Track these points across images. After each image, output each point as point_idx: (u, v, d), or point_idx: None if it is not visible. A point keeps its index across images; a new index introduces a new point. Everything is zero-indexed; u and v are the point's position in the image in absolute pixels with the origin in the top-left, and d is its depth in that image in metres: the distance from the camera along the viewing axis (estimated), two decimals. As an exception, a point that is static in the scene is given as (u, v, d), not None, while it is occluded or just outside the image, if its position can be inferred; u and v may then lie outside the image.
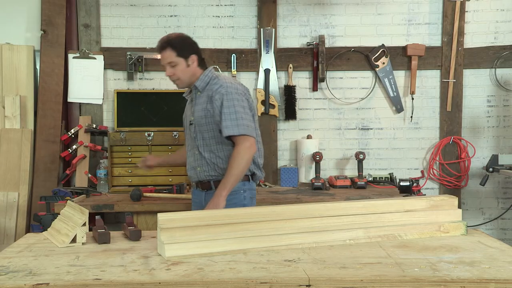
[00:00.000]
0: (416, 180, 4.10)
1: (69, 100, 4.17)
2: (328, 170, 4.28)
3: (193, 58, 2.81)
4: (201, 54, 2.88)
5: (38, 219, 3.40)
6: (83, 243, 2.07)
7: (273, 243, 1.99)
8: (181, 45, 2.78)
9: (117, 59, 4.19)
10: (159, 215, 1.92)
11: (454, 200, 2.27)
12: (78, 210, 2.16)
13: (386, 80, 4.23)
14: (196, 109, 2.83)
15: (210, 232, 1.94)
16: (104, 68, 4.17)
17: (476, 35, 4.26)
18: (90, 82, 4.15)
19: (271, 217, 2.05)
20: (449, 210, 2.25)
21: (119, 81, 4.22)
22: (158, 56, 2.88)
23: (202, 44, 4.18)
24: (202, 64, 2.87)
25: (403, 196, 3.60)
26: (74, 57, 4.13)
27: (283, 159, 4.30)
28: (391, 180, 4.14)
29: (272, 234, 2.00)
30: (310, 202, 3.25)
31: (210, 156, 2.80)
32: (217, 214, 2.01)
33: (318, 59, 4.12)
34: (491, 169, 3.91)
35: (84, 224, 2.09)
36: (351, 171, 4.24)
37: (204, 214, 2.01)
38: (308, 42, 4.22)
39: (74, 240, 2.07)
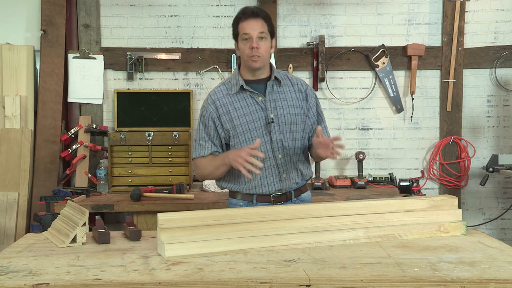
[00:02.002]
0: (416, 180, 4.10)
1: (69, 100, 4.17)
2: (328, 170, 4.28)
3: (273, 43, 2.44)
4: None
5: (38, 219, 3.39)
6: (83, 243, 2.07)
7: (273, 243, 1.99)
8: (270, 22, 2.42)
9: (117, 59, 4.19)
10: (159, 215, 1.92)
11: (454, 200, 2.27)
12: (78, 210, 2.16)
13: (386, 80, 4.23)
14: (280, 105, 2.42)
15: (210, 232, 1.94)
16: (104, 68, 4.17)
17: (476, 35, 4.26)
18: (90, 82, 4.15)
19: (271, 217, 2.05)
20: (449, 210, 2.24)
21: (119, 81, 4.22)
22: (246, 26, 2.35)
23: (202, 44, 4.22)
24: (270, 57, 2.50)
25: (403, 196, 3.60)
26: (74, 57, 4.13)
27: (283, 159, 4.30)
28: (391, 180, 4.14)
29: (272, 234, 2.00)
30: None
31: (298, 160, 2.46)
32: (217, 214, 2.01)
33: (318, 59, 4.12)
34: (491, 169, 3.91)
35: (84, 224, 2.09)
36: (351, 171, 4.24)
37: (204, 214, 2.02)
38: (308, 42, 4.22)
39: (74, 240, 2.07)
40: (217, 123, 2.43)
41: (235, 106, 2.41)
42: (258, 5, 4.17)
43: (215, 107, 2.43)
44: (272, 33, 2.40)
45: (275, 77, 2.43)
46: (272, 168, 2.42)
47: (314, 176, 4.05)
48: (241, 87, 2.41)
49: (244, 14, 2.37)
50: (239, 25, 2.38)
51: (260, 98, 2.41)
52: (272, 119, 2.39)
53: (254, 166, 2.19)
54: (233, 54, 4.17)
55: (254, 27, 2.34)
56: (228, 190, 2.54)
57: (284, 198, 2.44)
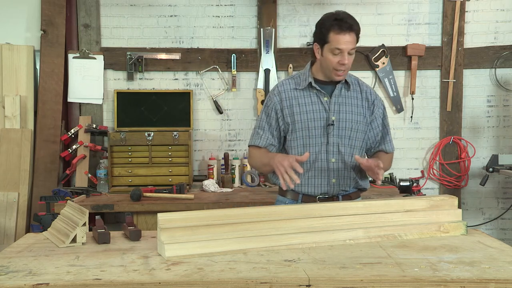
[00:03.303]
0: (416, 180, 4.10)
1: (69, 100, 4.17)
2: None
3: None
4: None
5: (38, 219, 3.40)
6: (83, 243, 2.07)
7: (273, 243, 1.99)
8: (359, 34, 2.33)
9: (117, 59, 4.19)
10: (159, 215, 1.92)
11: (454, 200, 2.27)
12: (78, 210, 2.16)
13: (386, 80, 4.23)
14: (344, 109, 2.38)
15: (210, 232, 1.94)
16: (104, 68, 4.17)
17: (476, 35, 4.26)
18: (90, 82, 4.15)
19: (271, 217, 2.05)
20: (449, 210, 2.24)
21: (119, 81, 4.22)
22: (341, 40, 2.25)
23: (202, 44, 4.22)
24: None
25: (403, 196, 3.60)
26: (74, 57, 4.13)
27: (283, 159, 4.30)
28: (391, 180, 4.14)
29: (272, 234, 2.00)
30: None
31: (354, 169, 2.40)
32: (217, 214, 2.01)
33: (318, 59, 4.12)
34: (491, 169, 3.91)
35: (84, 224, 2.09)
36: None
37: (204, 214, 2.01)
38: (308, 42, 4.22)
39: (74, 240, 2.07)
40: (279, 114, 2.41)
41: (299, 102, 2.38)
42: (258, 5, 4.18)
43: (280, 98, 2.42)
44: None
45: (345, 80, 2.39)
46: (322, 171, 2.38)
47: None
48: (310, 84, 2.38)
49: (341, 27, 2.25)
50: (331, 34, 2.27)
51: (325, 98, 2.37)
52: (333, 121, 2.35)
53: (292, 179, 2.16)
54: (233, 54, 4.17)
55: (348, 43, 2.26)
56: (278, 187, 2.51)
57: (330, 201, 2.39)
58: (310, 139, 2.37)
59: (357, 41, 2.32)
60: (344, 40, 2.25)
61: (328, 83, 2.39)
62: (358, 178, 2.44)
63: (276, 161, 2.22)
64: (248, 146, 2.53)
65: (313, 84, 2.37)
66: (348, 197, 2.44)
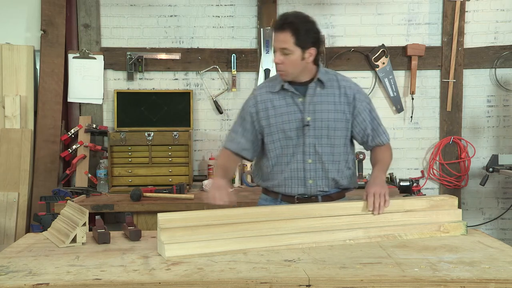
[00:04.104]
0: (416, 180, 4.10)
1: (69, 100, 4.17)
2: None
3: (311, 52, 2.29)
4: (320, 49, 2.39)
5: (38, 219, 3.40)
6: (83, 243, 2.07)
7: (273, 243, 1.99)
8: (305, 32, 2.24)
9: (117, 59, 4.19)
10: (159, 215, 1.92)
11: (454, 200, 2.27)
12: (78, 210, 2.16)
13: (386, 80, 4.23)
14: (320, 108, 2.32)
15: (210, 232, 1.95)
16: (104, 68, 4.17)
17: (476, 35, 4.26)
18: (90, 82, 4.15)
19: (271, 217, 2.05)
20: (449, 210, 2.25)
21: (119, 81, 4.22)
22: (274, 39, 2.26)
23: (202, 44, 4.22)
24: (317, 60, 2.36)
25: (403, 196, 3.60)
26: (74, 57, 4.13)
27: (283, 159, 4.30)
28: (391, 180, 4.13)
29: (272, 234, 2.00)
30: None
31: (331, 169, 2.35)
32: (217, 214, 2.01)
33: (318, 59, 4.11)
34: (491, 169, 3.90)
35: (84, 224, 2.09)
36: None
37: (204, 214, 2.02)
38: (308, 42, 4.21)
39: (74, 240, 2.07)
40: (255, 118, 2.40)
41: (274, 104, 2.36)
42: (258, 5, 4.18)
43: (255, 101, 2.41)
44: (306, 44, 2.24)
45: (318, 79, 2.34)
46: (298, 171, 2.35)
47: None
48: (282, 86, 2.36)
49: (274, 25, 2.27)
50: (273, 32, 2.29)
51: (300, 99, 2.33)
52: (308, 122, 2.31)
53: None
54: (233, 54, 4.17)
55: (278, 42, 2.25)
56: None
57: (309, 201, 2.36)
58: (286, 141, 2.34)
59: (299, 40, 2.22)
60: (275, 38, 2.26)
61: (302, 83, 2.35)
62: (338, 178, 2.38)
63: (213, 184, 2.34)
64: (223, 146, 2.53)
65: (285, 86, 2.34)
66: (328, 197, 2.38)
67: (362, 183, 3.92)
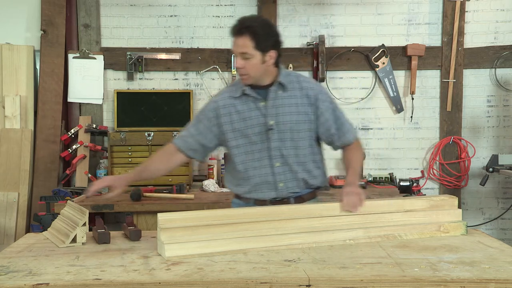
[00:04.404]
0: (416, 180, 4.10)
1: (69, 100, 4.17)
2: (328, 170, 4.26)
3: (272, 55, 2.26)
4: (280, 51, 2.32)
5: (38, 219, 3.40)
6: (83, 243, 2.07)
7: (273, 243, 1.99)
8: (263, 35, 2.21)
9: (117, 59, 4.19)
10: (159, 215, 1.92)
11: (454, 200, 2.27)
12: (78, 210, 2.16)
13: (386, 80, 4.23)
14: (282, 111, 2.30)
15: (210, 232, 1.95)
16: (104, 68, 4.17)
17: (476, 35, 4.26)
18: (90, 82, 4.15)
19: (271, 217, 2.05)
20: (449, 210, 2.24)
21: (119, 81, 4.22)
22: (233, 43, 2.24)
23: (202, 44, 4.22)
24: (277, 62, 2.33)
25: (403, 196, 3.60)
26: (74, 57, 4.13)
27: (283, 159, 4.30)
28: (391, 180, 4.14)
29: (272, 234, 2.00)
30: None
31: (300, 170, 2.34)
32: (217, 214, 2.01)
33: (318, 59, 4.12)
34: (491, 169, 3.90)
35: (84, 224, 2.09)
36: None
37: (204, 214, 2.02)
38: (308, 42, 4.22)
39: (74, 240, 2.07)
40: (214, 122, 2.37)
41: (237, 109, 2.34)
42: (258, 5, 4.18)
43: (216, 106, 2.37)
44: (266, 47, 2.22)
45: (278, 82, 2.31)
46: (267, 176, 2.33)
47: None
48: (243, 91, 2.33)
49: (232, 31, 2.24)
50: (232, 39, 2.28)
51: (262, 103, 2.31)
52: (272, 126, 2.29)
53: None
54: (233, 54, 4.16)
55: (236, 46, 2.23)
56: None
57: (281, 204, 2.32)
58: (251, 146, 2.33)
59: (258, 44, 2.20)
60: (235, 44, 2.24)
61: (263, 87, 2.32)
62: (308, 178, 2.37)
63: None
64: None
65: (246, 91, 2.31)
66: (300, 199, 2.38)
67: (362, 183, 3.93)
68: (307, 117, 2.33)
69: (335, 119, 2.36)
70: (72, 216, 2.18)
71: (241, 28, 2.21)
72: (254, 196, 2.37)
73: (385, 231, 2.12)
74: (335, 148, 2.44)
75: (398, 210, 2.18)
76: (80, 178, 4.06)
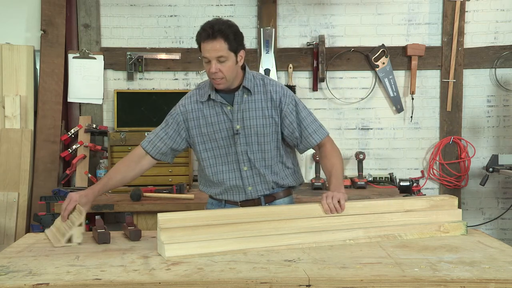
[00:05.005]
0: (416, 180, 4.11)
1: (69, 100, 4.17)
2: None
3: (242, 54, 2.27)
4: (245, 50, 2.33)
5: (38, 219, 3.40)
6: (79, 243, 2.07)
7: (273, 243, 1.99)
8: (233, 36, 2.21)
9: (117, 59, 4.19)
10: (159, 215, 1.92)
11: (454, 200, 2.27)
12: (77, 210, 2.16)
13: (386, 80, 4.23)
14: (248, 116, 2.32)
15: (210, 232, 1.95)
16: (104, 68, 4.17)
17: (476, 35, 4.26)
18: (90, 82, 4.15)
19: (271, 217, 2.05)
20: (449, 210, 2.25)
21: (119, 81, 4.22)
22: (204, 49, 2.20)
23: (202, 44, 4.22)
24: (243, 66, 2.35)
25: (403, 196, 3.60)
26: (74, 57, 4.13)
27: (283, 159, 4.30)
28: (391, 180, 4.14)
29: (272, 234, 2.01)
30: (310, 202, 3.24)
31: (267, 173, 2.36)
32: (217, 214, 2.01)
33: (318, 59, 4.12)
34: (491, 169, 3.90)
35: (81, 225, 2.09)
36: (351, 171, 4.24)
37: (204, 214, 2.02)
38: (308, 42, 4.22)
39: (70, 240, 2.07)
40: (182, 126, 2.39)
41: (204, 114, 2.35)
42: (258, 5, 4.18)
43: (185, 110, 2.39)
44: (237, 48, 2.23)
45: (243, 86, 2.31)
46: (236, 180, 2.36)
47: (314, 176, 4.06)
48: (209, 96, 2.33)
49: (201, 35, 2.20)
50: (200, 44, 2.23)
51: (229, 108, 2.32)
52: (238, 130, 2.31)
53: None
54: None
55: (211, 51, 2.19)
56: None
57: (252, 203, 2.36)
58: (219, 150, 2.36)
59: (232, 45, 2.20)
60: (207, 48, 2.19)
61: (229, 91, 2.33)
62: (277, 179, 2.38)
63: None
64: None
65: (212, 96, 2.32)
66: (271, 197, 2.40)
67: (363, 183, 3.94)
68: (272, 121, 2.33)
69: (298, 123, 2.37)
70: (71, 216, 2.18)
71: (213, 32, 2.18)
72: (225, 197, 2.40)
73: (385, 231, 2.12)
74: (300, 151, 2.44)
75: (398, 210, 2.19)
76: (80, 178, 4.06)
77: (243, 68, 2.35)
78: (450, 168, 4.28)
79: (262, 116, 2.32)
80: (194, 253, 1.88)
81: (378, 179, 4.13)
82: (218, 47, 2.18)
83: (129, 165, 2.40)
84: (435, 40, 4.26)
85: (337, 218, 2.11)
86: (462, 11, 4.18)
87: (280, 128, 2.36)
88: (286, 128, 2.36)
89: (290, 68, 4.18)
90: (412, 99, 4.23)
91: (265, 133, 2.33)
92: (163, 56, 4.18)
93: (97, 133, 4.15)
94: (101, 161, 4.02)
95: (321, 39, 4.14)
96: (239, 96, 2.32)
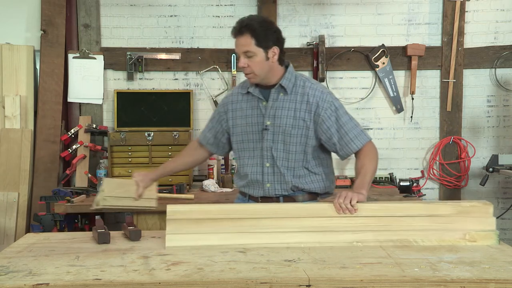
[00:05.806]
0: (416, 180, 4.10)
1: (69, 100, 4.17)
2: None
3: (275, 51, 2.28)
4: (283, 47, 2.34)
5: (38, 219, 3.40)
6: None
7: (276, 240, 2.00)
8: (263, 32, 2.25)
9: (117, 59, 4.19)
10: (168, 206, 2.05)
11: (489, 207, 2.11)
12: (131, 184, 2.36)
13: (386, 80, 4.23)
14: (279, 114, 2.33)
15: (214, 225, 2.01)
16: (104, 68, 4.17)
17: (476, 35, 4.26)
18: (90, 82, 4.15)
19: (276, 214, 2.06)
20: (481, 218, 2.09)
21: (119, 81, 4.22)
22: (235, 44, 2.29)
23: (202, 44, 4.22)
24: (282, 60, 2.35)
25: (403, 196, 3.60)
26: (74, 57, 4.13)
27: (283, 159, 4.29)
28: (391, 180, 4.14)
29: (276, 232, 2.02)
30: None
31: (288, 174, 2.35)
32: (223, 208, 2.07)
33: (318, 59, 4.12)
34: (491, 169, 3.90)
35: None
36: (351, 171, 4.24)
37: (210, 208, 2.08)
38: (308, 42, 4.22)
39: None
40: (223, 117, 2.48)
41: (241, 106, 2.42)
42: (258, 5, 4.18)
43: (227, 101, 2.49)
44: (266, 43, 2.25)
45: (280, 84, 2.33)
46: (258, 175, 2.38)
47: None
48: (248, 89, 2.40)
49: (232, 31, 2.30)
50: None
51: (264, 103, 2.36)
52: (267, 126, 2.33)
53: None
54: (233, 54, 4.17)
55: (239, 46, 2.27)
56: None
57: (271, 201, 2.37)
58: (247, 143, 2.40)
59: (259, 41, 2.24)
60: (236, 43, 2.29)
61: (267, 87, 2.36)
62: (297, 183, 2.35)
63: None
64: None
65: (249, 90, 2.37)
66: (290, 199, 2.38)
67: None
68: (303, 123, 2.32)
69: (337, 128, 2.33)
70: (127, 185, 2.39)
71: (241, 27, 2.26)
72: (247, 191, 2.45)
73: (399, 235, 2.02)
74: (340, 157, 2.41)
75: (419, 214, 2.06)
76: (80, 178, 4.06)
77: (287, 66, 2.37)
78: (450, 168, 4.28)
79: (293, 116, 2.32)
80: (197, 245, 1.95)
81: (378, 179, 4.13)
82: (244, 42, 2.25)
83: (188, 152, 2.62)
84: (435, 40, 4.26)
85: (347, 219, 2.05)
86: (462, 11, 4.18)
87: (312, 132, 2.34)
88: (324, 134, 2.33)
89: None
90: (412, 99, 4.23)
91: (292, 133, 2.32)
92: (163, 56, 4.18)
93: (97, 133, 4.15)
94: (101, 161, 4.02)
95: (321, 39, 4.14)
96: (275, 93, 2.35)
